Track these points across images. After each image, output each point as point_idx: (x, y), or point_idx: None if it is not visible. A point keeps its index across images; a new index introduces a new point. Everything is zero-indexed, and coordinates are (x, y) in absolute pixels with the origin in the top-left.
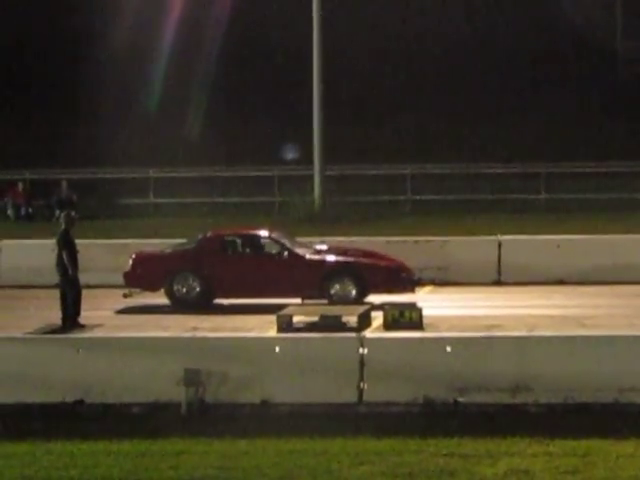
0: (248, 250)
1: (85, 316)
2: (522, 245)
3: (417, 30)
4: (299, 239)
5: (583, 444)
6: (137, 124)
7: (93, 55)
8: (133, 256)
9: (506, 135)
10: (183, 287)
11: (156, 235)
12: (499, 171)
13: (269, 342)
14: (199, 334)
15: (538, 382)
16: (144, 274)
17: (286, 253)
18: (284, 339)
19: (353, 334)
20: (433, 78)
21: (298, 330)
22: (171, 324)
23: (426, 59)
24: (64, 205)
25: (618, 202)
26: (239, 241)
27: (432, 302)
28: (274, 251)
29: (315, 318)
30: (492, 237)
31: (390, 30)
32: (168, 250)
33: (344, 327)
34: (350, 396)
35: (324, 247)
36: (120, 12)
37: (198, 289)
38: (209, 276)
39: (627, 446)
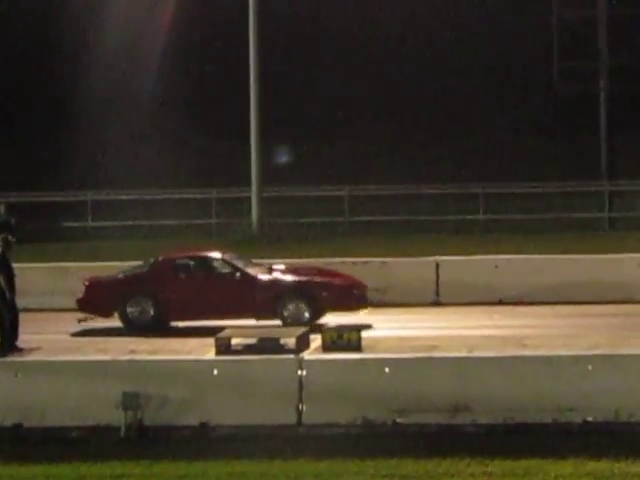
0: (201, 272)
1: (23, 339)
2: (460, 265)
3: (355, 50)
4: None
5: (522, 464)
6: (76, 146)
7: (33, 74)
8: (86, 283)
9: (444, 155)
10: (137, 311)
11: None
12: (437, 192)
13: (207, 364)
14: (137, 357)
15: (477, 402)
16: (97, 300)
17: (239, 274)
18: (222, 361)
19: (291, 356)
20: (370, 99)
21: (236, 352)
22: (110, 347)
23: (363, 81)
24: (2, 229)
25: (555, 222)
26: (192, 263)
27: (370, 323)
28: (227, 273)
29: (254, 340)
30: (430, 258)
31: (329, 50)
32: (121, 274)
33: (282, 349)
34: (289, 418)
35: (279, 267)
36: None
37: (152, 312)
38: (163, 299)
39: (566, 466)
